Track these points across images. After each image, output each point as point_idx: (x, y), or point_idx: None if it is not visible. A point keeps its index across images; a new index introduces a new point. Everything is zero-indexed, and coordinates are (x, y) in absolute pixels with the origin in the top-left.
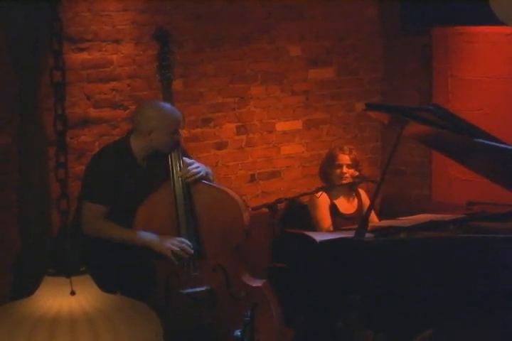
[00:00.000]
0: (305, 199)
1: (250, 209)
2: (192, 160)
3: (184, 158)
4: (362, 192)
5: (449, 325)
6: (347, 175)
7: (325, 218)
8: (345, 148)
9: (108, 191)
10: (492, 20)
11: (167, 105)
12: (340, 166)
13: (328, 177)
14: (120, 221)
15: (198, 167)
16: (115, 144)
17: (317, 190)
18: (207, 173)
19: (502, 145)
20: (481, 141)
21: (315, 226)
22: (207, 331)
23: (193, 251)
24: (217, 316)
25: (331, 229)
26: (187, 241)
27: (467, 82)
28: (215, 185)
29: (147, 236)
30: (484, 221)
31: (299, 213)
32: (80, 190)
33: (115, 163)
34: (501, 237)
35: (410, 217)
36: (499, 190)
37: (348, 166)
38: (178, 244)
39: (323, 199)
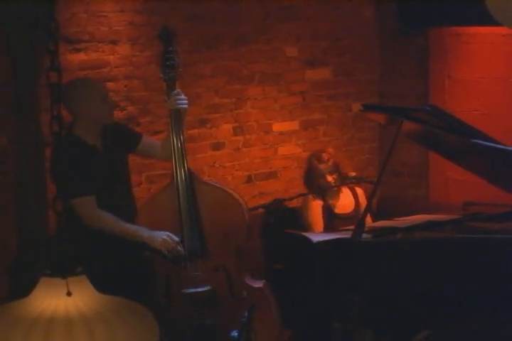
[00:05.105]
0: (295, 202)
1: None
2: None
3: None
4: (360, 191)
5: (447, 325)
6: (333, 181)
7: (317, 222)
8: (323, 155)
9: (85, 181)
10: (489, 20)
11: (81, 78)
12: (323, 176)
13: (316, 188)
14: (104, 207)
15: (184, 99)
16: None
17: (310, 192)
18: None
19: (499, 146)
20: (477, 141)
21: (307, 230)
22: (208, 331)
23: (183, 251)
24: (218, 316)
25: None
26: (175, 238)
27: (464, 82)
28: (218, 185)
29: (143, 232)
30: (481, 221)
31: (290, 216)
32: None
33: (73, 156)
34: (498, 238)
35: (407, 218)
36: (496, 191)
37: (330, 173)
38: (170, 242)
39: (315, 202)
